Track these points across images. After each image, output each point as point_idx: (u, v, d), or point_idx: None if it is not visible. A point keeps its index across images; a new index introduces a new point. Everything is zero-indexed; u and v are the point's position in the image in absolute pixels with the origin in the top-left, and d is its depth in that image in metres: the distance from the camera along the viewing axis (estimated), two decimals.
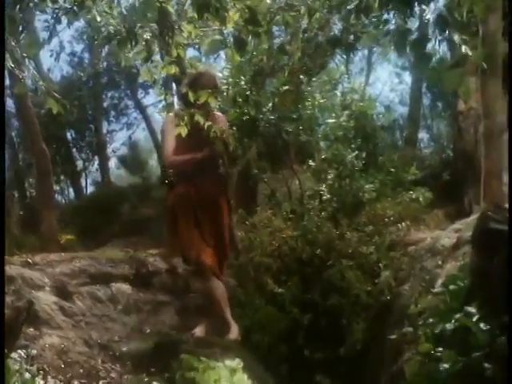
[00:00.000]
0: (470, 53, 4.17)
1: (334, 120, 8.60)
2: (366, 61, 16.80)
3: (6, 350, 2.92)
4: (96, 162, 18.07)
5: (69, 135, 16.83)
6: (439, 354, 2.85)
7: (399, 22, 2.94)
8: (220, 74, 8.15)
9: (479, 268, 3.25)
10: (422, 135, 15.17)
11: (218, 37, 4.19)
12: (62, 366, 4.06)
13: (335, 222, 7.43)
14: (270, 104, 6.98)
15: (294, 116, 7.61)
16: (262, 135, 7.47)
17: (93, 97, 16.50)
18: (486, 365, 2.42)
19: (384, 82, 19.59)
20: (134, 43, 4.14)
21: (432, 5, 2.78)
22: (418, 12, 3.01)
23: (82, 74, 14.86)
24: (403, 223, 7.45)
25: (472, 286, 3.30)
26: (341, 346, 6.22)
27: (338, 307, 6.50)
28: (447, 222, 7.93)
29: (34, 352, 3.92)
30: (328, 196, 7.86)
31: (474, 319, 2.85)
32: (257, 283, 7.04)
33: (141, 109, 18.09)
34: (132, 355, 4.66)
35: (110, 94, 17.61)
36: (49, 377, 3.72)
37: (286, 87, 6.76)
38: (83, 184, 18.09)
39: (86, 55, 17.21)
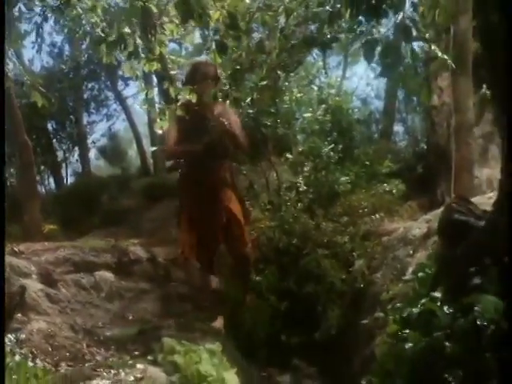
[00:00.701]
0: (439, 53, 4.39)
1: (310, 114, 8.76)
2: (343, 55, 16.94)
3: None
4: (76, 153, 18.08)
5: (49, 126, 16.83)
6: (405, 335, 3.06)
7: (368, 32, 3.13)
8: None
9: (444, 256, 3.46)
10: (397, 129, 15.32)
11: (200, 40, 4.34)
12: (50, 349, 4.20)
13: (311, 212, 7.58)
14: (249, 99, 7.12)
15: (272, 110, 7.74)
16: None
17: (73, 88, 16.46)
18: (447, 343, 2.63)
19: (360, 77, 19.63)
20: (123, 46, 4.28)
21: (398, 15, 2.96)
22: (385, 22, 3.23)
23: (63, 67, 14.82)
24: (377, 214, 7.63)
25: (437, 273, 3.50)
26: (316, 331, 6.40)
27: (314, 294, 6.68)
28: (421, 213, 8.09)
29: (23, 336, 4.09)
30: (304, 188, 8.00)
31: (439, 303, 3.06)
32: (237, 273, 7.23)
33: (121, 100, 18.13)
34: (116, 340, 4.83)
35: (90, 86, 17.61)
36: (37, 359, 3.86)
37: (265, 82, 6.91)
38: (63, 174, 18.10)
39: (66, 46, 17.24)
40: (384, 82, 14.54)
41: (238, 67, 6.50)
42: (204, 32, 4.69)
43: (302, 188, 8.05)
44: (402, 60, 3.06)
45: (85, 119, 18.03)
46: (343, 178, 8.31)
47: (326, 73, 8.96)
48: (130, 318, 5.71)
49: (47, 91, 5.83)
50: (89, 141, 18.53)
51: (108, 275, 6.21)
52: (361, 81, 20.04)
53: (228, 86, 6.60)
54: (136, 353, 4.46)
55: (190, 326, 5.37)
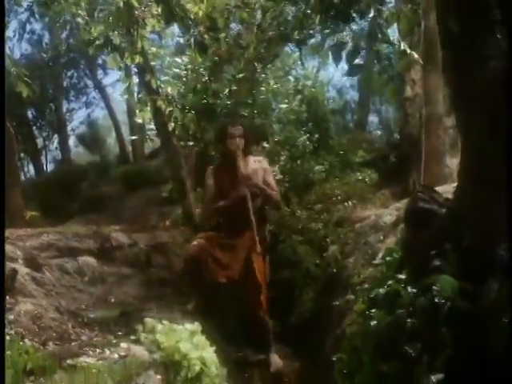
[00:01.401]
0: (408, 50, 4.60)
1: (286, 105, 8.95)
2: (324, 40, 17.02)
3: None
4: (56, 141, 18.14)
5: (29, 114, 16.87)
6: (372, 314, 3.28)
7: (336, 36, 3.33)
8: (179, 60, 8.49)
9: (408, 242, 3.68)
10: (372, 119, 15.53)
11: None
12: (37, 330, 4.37)
13: (287, 200, 7.75)
14: (227, 90, 7.29)
15: (249, 101, 7.93)
16: (219, 119, 7.73)
17: (53, 76, 16.49)
18: (408, 320, 2.84)
19: (336, 67, 19.72)
20: (110, 48, 4.44)
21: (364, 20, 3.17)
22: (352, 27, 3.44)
23: (44, 55, 14.84)
24: (350, 202, 7.84)
25: (403, 257, 3.72)
26: (291, 314, 6.60)
27: (290, 279, 6.87)
28: (393, 201, 8.29)
29: (12, 317, 4.26)
30: (280, 176, 8.19)
31: (403, 284, 3.28)
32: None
33: (100, 88, 18.20)
34: (99, 321, 5.02)
35: (69, 74, 17.65)
36: (26, 339, 4.03)
37: (242, 75, 7.08)
38: (43, 162, 18.17)
39: (46, 33, 17.21)
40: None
41: (216, 58, 6.67)
42: (185, 31, 4.79)
43: (278, 176, 8.22)
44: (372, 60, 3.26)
45: (64, 107, 18.09)
46: (318, 167, 8.51)
47: (302, 64, 9.09)
48: (112, 301, 5.89)
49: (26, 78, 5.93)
50: (68, 128, 18.60)
51: (91, 260, 6.38)
52: (337, 71, 20.20)
53: (207, 78, 6.78)
54: (119, 333, 4.65)
55: (170, 308, 5.57)
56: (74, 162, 18.59)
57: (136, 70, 7.29)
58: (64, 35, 15.24)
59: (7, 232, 6.52)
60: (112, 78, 17.96)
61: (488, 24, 2.51)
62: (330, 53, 3.42)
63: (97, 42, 4.55)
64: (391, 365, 2.70)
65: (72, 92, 18.17)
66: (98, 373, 3.47)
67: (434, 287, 2.74)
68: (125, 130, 19.43)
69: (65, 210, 13.49)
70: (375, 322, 3.09)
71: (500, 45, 2.48)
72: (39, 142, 17.70)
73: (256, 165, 5.52)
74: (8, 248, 5.57)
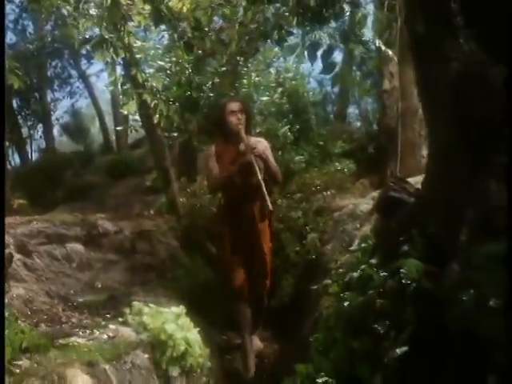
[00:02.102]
0: (383, 47, 4.81)
1: (267, 97, 9.13)
2: (300, 40, 17.21)
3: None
4: (40, 130, 18.20)
5: (14, 103, 16.89)
6: (345, 295, 3.49)
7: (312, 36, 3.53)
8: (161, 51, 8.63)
9: (380, 228, 3.90)
10: (352, 110, 15.70)
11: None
12: (29, 313, 4.55)
13: (268, 189, 7.97)
14: (210, 83, 7.45)
15: (232, 94, 8.10)
16: (202, 111, 7.92)
17: (37, 66, 16.51)
18: (378, 300, 3.06)
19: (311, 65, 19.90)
20: (105, 47, 4.59)
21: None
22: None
23: (30, 46, 14.87)
24: (329, 191, 8.07)
25: (376, 243, 3.94)
26: (271, 298, 6.80)
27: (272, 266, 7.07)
28: (372, 191, 8.52)
29: (6, 301, 4.43)
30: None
31: (375, 268, 3.50)
32: (197, 245, 7.61)
33: (84, 78, 18.27)
34: (88, 305, 5.19)
35: (53, 64, 17.69)
36: (19, 321, 4.20)
37: (225, 68, 7.25)
38: (28, 151, 18.23)
39: (30, 23, 17.22)
40: (339, 65, 14.93)
41: (200, 52, 6.82)
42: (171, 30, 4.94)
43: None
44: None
45: (49, 97, 18.13)
46: (298, 158, 8.71)
47: (284, 59, 9.31)
48: (100, 286, 6.06)
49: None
50: (53, 118, 18.66)
51: (78, 247, 6.54)
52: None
53: (190, 71, 6.93)
54: (107, 315, 4.83)
55: (155, 293, 5.76)
56: (59, 150, 18.65)
57: (121, 62, 7.46)
58: (49, 26, 15.30)
59: None
60: (96, 67, 18.03)
61: (451, 28, 2.71)
62: (305, 52, 3.61)
63: (87, 37, 4.67)
64: (361, 341, 2.91)
65: (56, 82, 18.19)
66: (89, 351, 3.66)
67: (401, 270, 2.94)
68: (108, 119, 19.53)
69: (50, 198, 13.59)
70: (348, 302, 3.31)
71: (462, 48, 2.68)
72: (24, 131, 17.74)
73: (257, 144, 5.59)
74: None
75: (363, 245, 4.31)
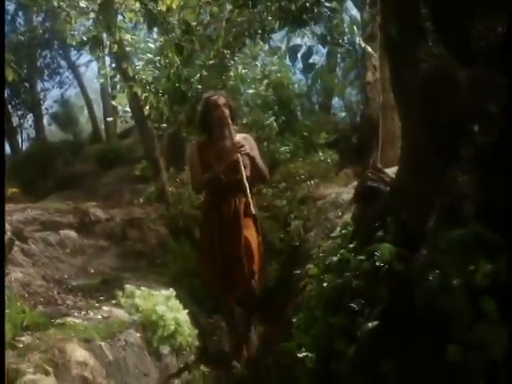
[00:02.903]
0: (363, 44, 5.03)
1: (253, 90, 9.33)
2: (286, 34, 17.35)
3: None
4: (31, 119, 18.29)
5: (5, 93, 16.94)
6: (325, 277, 3.72)
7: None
8: (152, 46, 8.81)
9: (358, 216, 4.13)
10: (336, 102, 15.86)
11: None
12: (27, 295, 4.75)
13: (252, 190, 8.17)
14: (198, 75, 7.63)
15: (219, 86, 8.28)
16: (190, 102, 8.05)
17: (27, 56, 16.56)
18: (354, 281, 3.29)
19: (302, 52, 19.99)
20: (101, 48, 4.77)
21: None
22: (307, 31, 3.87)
23: (22, 38, 14.94)
24: (312, 181, 8.31)
25: (354, 230, 4.17)
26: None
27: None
28: (355, 180, 8.74)
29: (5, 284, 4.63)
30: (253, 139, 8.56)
31: (353, 253, 3.73)
32: (185, 232, 7.81)
33: (73, 68, 18.36)
34: (81, 288, 5.39)
35: (43, 54, 17.73)
36: (18, 303, 4.40)
37: (212, 61, 7.44)
38: (19, 140, 18.32)
39: (20, 14, 17.23)
40: (324, 58, 15.13)
41: (189, 46, 6.99)
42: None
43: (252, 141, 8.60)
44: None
45: (39, 86, 18.21)
46: (283, 148, 8.93)
47: (271, 55, 9.50)
48: (92, 271, 6.26)
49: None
50: (42, 107, 18.74)
51: (72, 233, 6.74)
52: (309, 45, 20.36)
53: (179, 63, 7.10)
54: (101, 298, 5.04)
55: (146, 278, 5.97)
56: (48, 140, 18.73)
57: (111, 55, 7.61)
58: (40, 18, 15.34)
59: None
60: (85, 57, 18.07)
61: (422, 32, 2.93)
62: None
63: (84, 39, 4.84)
64: (338, 317, 3.14)
65: (46, 72, 18.25)
66: (85, 330, 3.88)
67: (375, 253, 3.17)
68: (97, 108, 19.62)
69: (41, 187, 13.70)
70: (327, 284, 3.54)
71: (432, 51, 2.90)
72: (14, 120, 17.82)
73: (244, 141, 5.36)
74: None
75: (343, 231, 4.53)
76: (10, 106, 17.30)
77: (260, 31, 4.66)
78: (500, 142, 2.73)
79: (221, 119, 5.29)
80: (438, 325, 2.55)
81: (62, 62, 18.34)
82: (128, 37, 7.10)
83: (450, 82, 2.84)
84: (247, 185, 5.13)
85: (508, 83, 2.72)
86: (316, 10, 3.49)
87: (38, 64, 17.73)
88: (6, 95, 16.83)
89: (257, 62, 9.95)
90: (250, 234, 5.42)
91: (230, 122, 5.33)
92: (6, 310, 3.49)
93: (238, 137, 5.39)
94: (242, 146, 5.19)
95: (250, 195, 5.16)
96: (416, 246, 3.01)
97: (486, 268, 2.47)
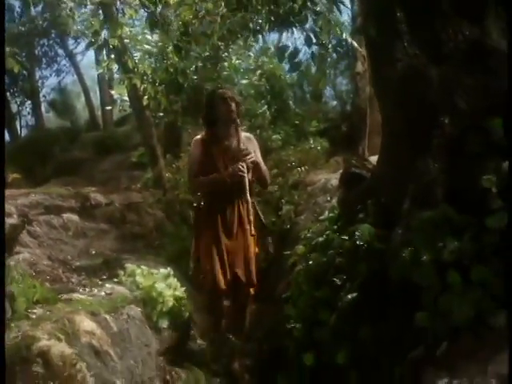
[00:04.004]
0: (349, 40, 5.30)
1: (247, 80, 9.58)
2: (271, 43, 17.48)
3: (6, 254, 3.91)
4: (29, 107, 18.46)
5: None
6: (311, 256, 4.02)
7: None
8: (150, 37, 9.02)
9: (343, 199, 4.42)
10: (328, 91, 16.04)
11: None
12: (34, 273, 5.02)
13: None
14: (194, 66, 7.86)
15: (214, 77, 8.53)
16: (187, 93, 8.23)
17: (26, 45, 16.66)
18: (337, 258, 3.59)
19: (294, 42, 20.12)
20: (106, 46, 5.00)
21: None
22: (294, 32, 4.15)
23: (22, 29, 15.06)
24: (303, 167, 8.58)
25: (339, 213, 4.46)
26: None
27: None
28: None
29: (12, 263, 4.90)
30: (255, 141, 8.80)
31: (338, 233, 4.02)
32: (182, 216, 8.08)
33: (70, 56, 18.50)
34: (84, 268, 5.66)
35: (41, 42, 17.85)
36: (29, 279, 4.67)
37: (207, 53, 7.68)
38: (17, 127, 18.50)
39: (17, 3, 17.34)
40: (315, 49, 15.27)
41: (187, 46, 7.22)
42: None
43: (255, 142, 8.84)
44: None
45: (37, 74, 18.34)
46: (275, 136, 9.18)
47: (263, 51, 9.74)
48: (94, 252, 6.53)
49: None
50: (40, 95, 18.90)
51: (74, 217, 7.01)
52: (296, 43, 20.55)
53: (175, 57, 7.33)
54: (103, 277, 5.31)
55: (144, 259, 6.24)
56: (46, 126, 18.89)
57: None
58: (39, 8, 15.42)
59: None
60: (82, 46, 18.18)
61: (397, 33, 3.21)
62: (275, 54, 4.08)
63: (92, 40, 5.07)
64: (322, 291, 3.45)
65: (44, 60, 18.38)
66: (91, 304, 4.15)
67: (356, 233, 3.47)
68: (93, 95, 19.78)
69: (40, 173, 13.90)
70: (313, 261, 3.84)
71: (407, 51, 3.18)
72: (13, 107, 17.99)
73: (248, 143, 5.00)
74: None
75: (331, 214, 4.82)
76: (8, 94, 17.39)
77: (251, 32, 4.84)
78: (466, 133, 3.02)
79: (228, 114, 4.88)
80: (410, 296, 2.85)
81: (60, 51, 18.47)
82: (126, 29, 7.30)
83: (422, 79, 3.12)
84: (250, 199, 4.85)
85: (473, 81, 3.01)
86: (302, 13, 3.74)
87: (36, 52, 17.83)
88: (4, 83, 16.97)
89: (250, 53, 10.16)
90: (251, 244, 5.01)
91: (237, 118, 4.95)
92: (20, 285, 3.78)
93: (242, 136, 5.00)
94: (248, 154, 4.81)
95: (250, 208, 4.89)
96: (392, 226, 3.30)
97: (452, 245, 2.75)
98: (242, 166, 4.72)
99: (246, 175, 4.73)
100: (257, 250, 5.08)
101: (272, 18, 3.90)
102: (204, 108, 5.14)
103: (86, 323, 3.59)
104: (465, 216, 2.87)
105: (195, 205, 5.24)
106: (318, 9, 3.88)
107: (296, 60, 3.97)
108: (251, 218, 4.90)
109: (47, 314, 3.61)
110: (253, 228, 4.87)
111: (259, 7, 3.96)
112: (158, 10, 4.46)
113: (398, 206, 3.31)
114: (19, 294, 3.64)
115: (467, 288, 2.63)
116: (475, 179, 2.86)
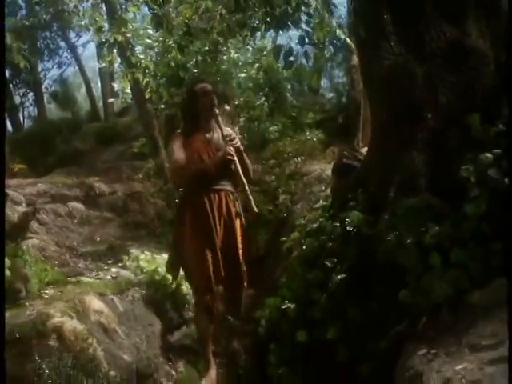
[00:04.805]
0: (342, 36, 5.52)
1: (245, 74, 9.78)
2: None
3: (19, 239, 4.14)
4: (31, 98, 18.60)
5: (6, 72, 17.19)
6: (305, 241, 4.24)
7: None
8: (151, 31, 9.19)
9: (335, 188, 4.64)
10: (325, 83, 16.22)
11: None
12: (43, 258, 5.26)
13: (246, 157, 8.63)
14: (194, 60, 8.06)
15: (213, 70, 8.73)
16: (187, 85, 8.37)
17: (29, 38, 16.74)
18: (329, 242, 3.80)
19: (291, 37, 20.26)
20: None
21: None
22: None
23: (26, 23, 15.14)
24: (299, 158, 8.80)
25: (332, 201, 4.68)
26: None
27: (246, 222, 7.77)
28: None
29: (24, 247, 5.13)
30: (239, 136, 9.01)
31: (329, 220, 4.23)
32: None
33: (72, 49, 18.63)
34: (90, 253, 5.91)
35: (43, 35, 17.96)
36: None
37: (207, 48, 7.88)
38: (20, 118, 18.66)
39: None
40: (309, 48, 15.38)
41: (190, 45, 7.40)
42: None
43: (238, 136, 9.04)
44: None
45: (39, 66, 18.47)
46: (272, 128, 9.39)
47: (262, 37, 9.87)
48: (98, 239, 6.77)
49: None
50: (43, 86, 19.03)
51: (79, 205, 7.25)
52: (291, 41, 20.63)
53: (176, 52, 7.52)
54: (109, 261, 5.56)
55: (147, 245, 6.47)
56: (48, 118, 19.02)
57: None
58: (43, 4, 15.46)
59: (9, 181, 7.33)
60: (83, 38, 18.30)
61: (384, 34, 3.43)
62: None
63: (108, 44, 5.26)
64: (315, 273, 3.67)
65: (46, 52, 18.47)
66: (98, 286, 4.40)
67: (347, 219, 3.69)
68: (94, 87, 19.91)
69: (43, 163, 14.04)
70: (306, 246, 4.06)
71: (393, 50, 3.40)
72: (16, 99, 18.14)
73: (230, 130, 4.90)
74: (13, 194, 6.37)
75: (324, 203, 5.02)
76: (11, 85, 17.55)
77: (249, 31, 5.02)
78: (448, 127, 3.24)
79: (209, 108, 4.73)
80: (395, 276, 3.07)
81: (61, 43, 18.58)
82: (129, 25, 7.48)
83: (407, 77, 3.34)
84: (244, 180, 4.66)
85: (454, 79, 3.23)
86: (296, 15, 3.96)
87: (38, 45, 17.93)
88: (7, 75, 17.11)
89: (248, 46, 10.33)
90: (241, 238, 4.83)
91: (218, 112, 4.79)
92: (33, 268, 4.01)
93: (224, 129, 4.81)
94: (234, 139, 4.71)
95: (248, 191, 4.67)
96: (380, 213, 3.52)
97: (434, 230, 2.97)
98: (231, 149, 4.58)
99: (235, 158, 4.59)
100: (243, 244, 4.82)
101: (268, 19, 4.13)
102: (184, 101, 5.00)
103: (95, 303, 3.83)
104: (445, 203, 3.08)
105: (178, 200, 5.05)
106: (311, 11, 4.10)
107: (290, 59, 4.20)
108: (238, 209, 4.78)
109: (59, 295, 3.85)
110: (242, 220, 4.79)
111: (256, 9, 4.17)
112: (163, 10, 4.65)
113: (384, 194, 3.51)
114: (32, 276, 3.89)
115: (447, 269, 2.83)
116: (455, 170, 3.07)
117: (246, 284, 4.85)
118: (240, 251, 4.73)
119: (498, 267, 2.71)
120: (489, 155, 2.93)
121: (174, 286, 5.02)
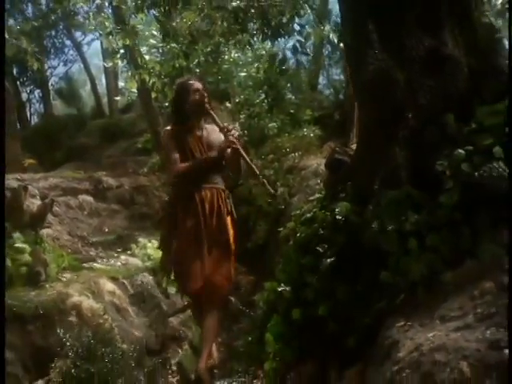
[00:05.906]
0: (336, 40, 5.84)
1: (245, 73, 10.07)
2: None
3: (38, 228, 4.47)
4: (38, 95, 18.89)
5: (14, 70, 17.46)
6: (299, 229, 4.55)
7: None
8: (156, 33, 9.48)
9: (327, 182, 4.95)
10: (322, 80, 16.49)
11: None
12: (57, 246, 5.59)
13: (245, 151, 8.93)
14: (196, 60, 8.34)
15: (214, 70, 9.02)
16: (176, 84, 8.55)
17: (36, 37, 16.95)
18: (320, 230, 4.12)
19: (285, 44, 20.44)
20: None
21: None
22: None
23: (35, 24, 15.35)
24: (297, 153, 9.10)
25: (325, 193, 4.99)
26: (248, 241, 7.83)
27: (246, 214, 8.11)
28: None
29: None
30: (240, 132, 9.30)
31: (322, 210, 4.55)
32: None
33: (78, 47, 18.89)
34: (100, 243, 6.24)
35: (49, 34, 18.20)
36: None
37: (209, 49, 8.16)
38: (27, 115, 18.92)
39: None
40: (311, 42, 15.70)
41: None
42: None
43: (239, 132, 9.32)
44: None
45: (46, 64, 18.70)
46: (271, 124, 9.69)
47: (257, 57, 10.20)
48: (107, 230, 7.10)
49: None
50: (49, 84, 19.30)
51: (88, 198, 7.58)
52: (291, 39, 20.86)
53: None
54: (118, 250, 5.88)
55: (152, 235, 6.78)
56: (54, 114, 19.28)
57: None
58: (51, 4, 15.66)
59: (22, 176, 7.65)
60: (89, 37, 18.56)
61: (369, 41, 3.75)
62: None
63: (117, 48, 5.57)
64: (307, 258, 3.98)
65: (52, 50, 18.72)
66: (110, 271, 4.73)
67: (336, 210, 4.01)
68: (99, 84, 20.16)
69: (50, 158, 14.31)
70: (300, 234, 4.38)
71: (377, 56, 3.72)
72: (23, 96, 18.41)
73: (219, 133, 4.81)
74: (29, 187, 6.71)
75: (318, 195, 5.32)
76: (18, 83, 17.83)
77: (247, 41, 5.33)
78: (426, 126, 3.57)
79: (201, 105, 4.67)
80: (378, 259, 3.39)
81: (67, 42, 18.85)
82: (138, 27, 7.76)
83: (390, 80, 3.66)
84: (254, 166, 4.70)
85: (432, 83, 3.56)
86: (290, 26, 4.27)
87: (45, 43, 18.18)
88: (14, 73, 17.37)
89: (248, 47, 10.60)
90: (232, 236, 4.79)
91: (210, 108, 4.71)
92: (50, 254, 4.35)
93: (209, 127, 4.83)
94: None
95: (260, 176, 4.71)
96: (366, 203, 3.84)
97: (413, 218, 3.28)
98: (233, 136, 4.53)
99: (239, 146, 4.55)
100: (234, 242, 4.78)
101: (265, 30, 4.45)
102: (175, 99, 4.88)
103: (108, 285, 4.18)
104: (423, 194, 3.39)
105: (167, 198, 5.03)
106: (303, 22, 4.45)
107: (284, 67, 4.54)
108: (229, 207, 4.73)
109: (75, 278, 4.20)
110: (233, 217, 4.75)
111: (254, 21, 4.48)
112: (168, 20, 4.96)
113: (370, 187, 3.82)
114: (51, 262, 4.22)
115: (423, 252, 3.14)
116: (432, 164, 3.38)
117: (231, 284, 4.74)
118: (232, 249, 4.70)
119: (467, 250, 3.02)
120: (461, 151, 3.24)
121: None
